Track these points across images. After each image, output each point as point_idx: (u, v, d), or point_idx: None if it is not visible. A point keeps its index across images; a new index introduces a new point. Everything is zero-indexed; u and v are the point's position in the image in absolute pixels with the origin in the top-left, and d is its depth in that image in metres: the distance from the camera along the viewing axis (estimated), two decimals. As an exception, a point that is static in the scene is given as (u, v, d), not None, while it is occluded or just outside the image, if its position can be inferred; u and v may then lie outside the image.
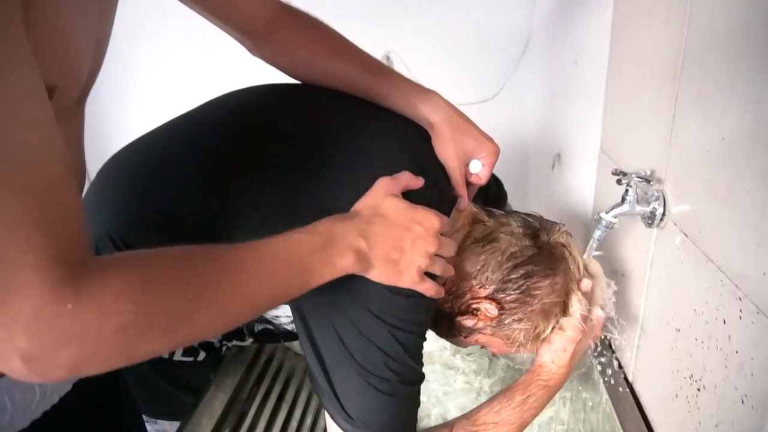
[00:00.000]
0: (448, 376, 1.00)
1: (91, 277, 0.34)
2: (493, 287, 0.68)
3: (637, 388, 0.81)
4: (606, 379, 0.85)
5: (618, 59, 0.91)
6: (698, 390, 0.62)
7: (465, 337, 0.72)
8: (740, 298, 0.53)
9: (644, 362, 0.80)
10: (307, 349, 0.59)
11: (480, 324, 0.69)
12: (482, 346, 0.76)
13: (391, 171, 0.58)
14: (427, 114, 0.67)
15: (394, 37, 1.48)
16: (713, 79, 0.59)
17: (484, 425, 0.66)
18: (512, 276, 0.67)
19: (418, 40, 1.49)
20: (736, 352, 0.54)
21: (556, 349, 0.69)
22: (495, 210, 0.74)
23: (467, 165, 0.70)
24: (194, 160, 0.64)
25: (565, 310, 0.70)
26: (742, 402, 0.53)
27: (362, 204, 0.55)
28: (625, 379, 0.84)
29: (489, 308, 0.67)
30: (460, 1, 1.46)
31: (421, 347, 0.62)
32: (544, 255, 0.68)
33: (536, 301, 0.68)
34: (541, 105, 1.49)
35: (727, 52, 0.57)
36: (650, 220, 0.71)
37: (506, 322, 0.68)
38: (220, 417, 0.77)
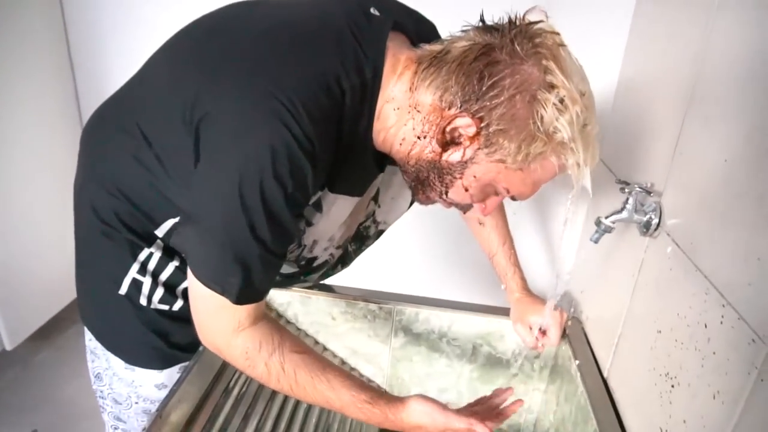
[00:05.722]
0: (432, 359, 1.05)
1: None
2: (459, 99, 0.59)
3: (612, 384, 0.87)
4: (582, 373, 0.91)
5: (629, 76, 0.96)
6: (672, 387, 0.68)
7: (460, 177, 0.64)
8: (723, 305, 0.59)
9: (621, 360, 0.86)
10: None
11: (468, 150, 0.61)
12: (485, 191, 0.67)
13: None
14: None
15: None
16: (723, 105, 0.65)
17: (322, 385, 0.67)
18: (472, 74, 0.58)
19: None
20: (714, 353, 0.60)
21: (425, 413, 0.70)
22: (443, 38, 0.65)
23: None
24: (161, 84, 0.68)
25: (542, 119, 0.58)
26: (714, 398, 0.59)
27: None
28: (600, 374, 0.90)
29: (464, 123, 0.59)
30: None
31: None
32: (505, 44, 0.58)
33: (506, 96, 0.57)
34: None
35: (739, 81, 0.62)
36: (645, 228, 0.77)
37: (491, 132, 0.59)
38: (217, 372, 0.81)
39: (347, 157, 0.66)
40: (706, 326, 0.62)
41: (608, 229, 0.79)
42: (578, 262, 0.88)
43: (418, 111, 0.63)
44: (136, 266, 0.74)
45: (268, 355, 0.66)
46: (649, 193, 0.76)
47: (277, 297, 0.99)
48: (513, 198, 0.67)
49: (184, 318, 0.79)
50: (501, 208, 0.97)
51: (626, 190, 0.77)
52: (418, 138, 0.64)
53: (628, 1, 1.00)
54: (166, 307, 0.78)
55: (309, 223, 0.73)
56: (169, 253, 0.75)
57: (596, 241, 0.80)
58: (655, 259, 0.77)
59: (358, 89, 0.62)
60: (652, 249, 0.78)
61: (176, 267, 0.76)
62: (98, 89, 1.79)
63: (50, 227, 1.73)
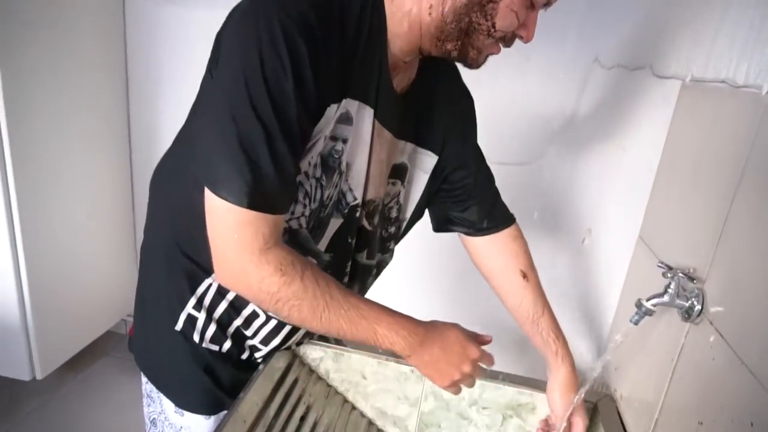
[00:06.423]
0: (460, 426, 1.03)
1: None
2: None
3: (647, 471, 0.85)
4: (616, 456, 0.88)
5: (673, 155, 0.97)
6: (715, 483, 0.66)
7: None
8: (772, 405, 0.58)
9: (658, 447, 0.83)
10: None
11: None
12: (524, 4, 0.68)
13: None
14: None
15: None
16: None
17: (352, 298, 0.68)
18: None
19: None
20: (762, 454, 0.58)
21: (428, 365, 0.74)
22: None
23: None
24: None
25: None
26: (762, 502, 0.57)
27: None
28: (635, 459, 0.88)
29: None
30: (515, 66, 1.55)
31: None
32: None
33: None
34: (578, 179, 1.55)
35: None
36: (687, 314, 0.76)
37: None
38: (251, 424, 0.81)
39: (365, 58, 0.68)
40: (752, 425, 0.61)
41: (649, 312, 0.78)
42: (612, 345, 0.87)
43: None
44: (193, 300, 0.78)
45: (302, 270, 0.64)
46: (692, 279, 0.76)
47: (310, 353, 0.99)
48: (548, 1, 0.68)
49: (231, 359, 0.83)
50: (537, 282, 0.96)
51: (668, 275, 0.77)
52: None
53: (673, 83, 1.03)
54: (216, 348, 0.81)
55: (345, 140, 0.71)
56: (224, 288, 0.78)
57: (636, 323, 0.80)
58: (696, 346, 0.76)
59: None
60: (694, 335, 0.77)
61: (229, 303, 0.78)
62: (150, 122, 1.87)
63: (89, 262, 1.79)
